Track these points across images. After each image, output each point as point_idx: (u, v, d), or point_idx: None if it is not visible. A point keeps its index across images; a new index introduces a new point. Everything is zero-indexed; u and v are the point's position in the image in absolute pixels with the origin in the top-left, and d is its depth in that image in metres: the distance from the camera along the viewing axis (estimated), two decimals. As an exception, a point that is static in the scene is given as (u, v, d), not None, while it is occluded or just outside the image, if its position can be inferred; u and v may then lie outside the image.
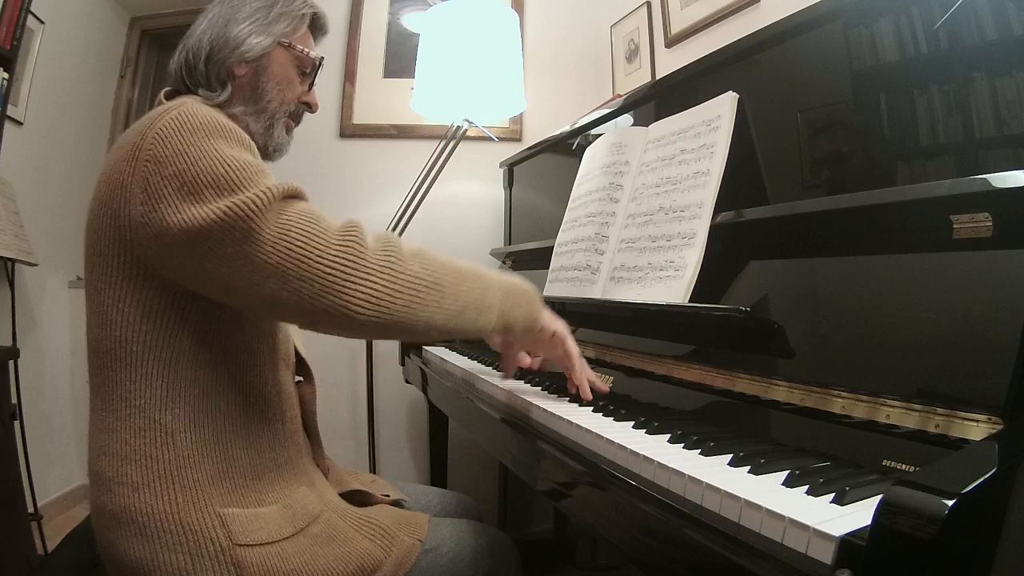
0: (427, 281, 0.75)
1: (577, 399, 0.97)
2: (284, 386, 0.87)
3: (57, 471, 2.40)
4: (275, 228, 0.70)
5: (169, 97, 0.89)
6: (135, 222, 0.72)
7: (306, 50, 0.95)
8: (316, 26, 1.00)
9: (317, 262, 0.70)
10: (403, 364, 1.83)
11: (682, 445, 0.72)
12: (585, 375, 0.96)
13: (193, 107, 0.76)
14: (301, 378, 0.97)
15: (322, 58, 0.98)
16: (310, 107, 0.99)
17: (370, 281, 0.71)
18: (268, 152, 0.95)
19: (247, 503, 0.78)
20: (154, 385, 0.75)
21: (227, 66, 0.89)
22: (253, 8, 0.91)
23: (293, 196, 0.75)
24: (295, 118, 0.98)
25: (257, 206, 0.70)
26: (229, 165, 0.72)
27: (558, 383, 1.07)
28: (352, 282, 0.70)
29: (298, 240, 0.70)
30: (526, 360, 1.06)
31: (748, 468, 0.63)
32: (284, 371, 0.89)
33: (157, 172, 0.71)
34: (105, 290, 0.76)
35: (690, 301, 0.94)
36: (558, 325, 0.94)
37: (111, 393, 0.77)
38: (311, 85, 0.99)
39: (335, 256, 0.71)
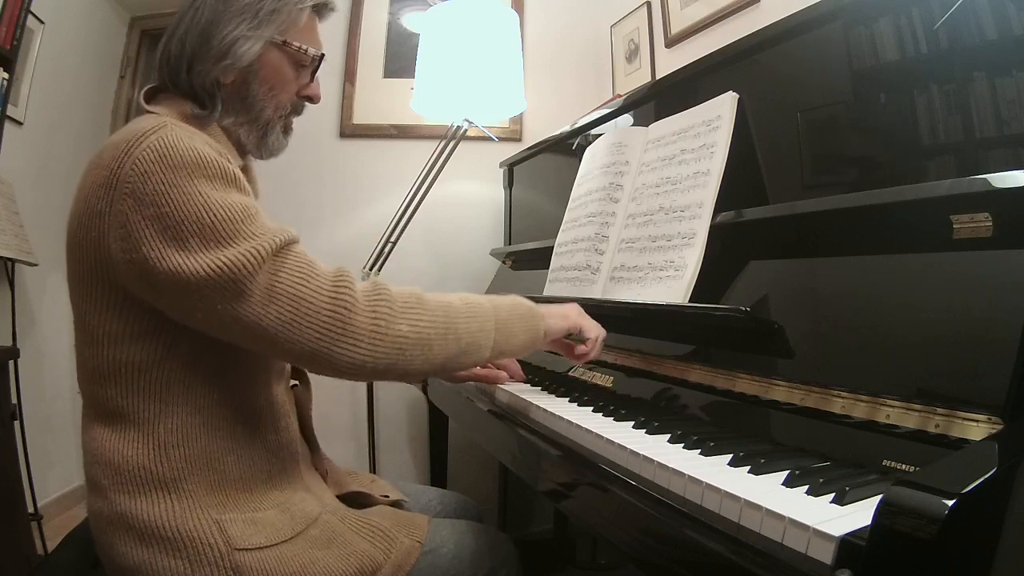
0: (414, 339, 0.76)
1: (577, 399, 0.97)
2: (277, 397, 0.86)
3: (57, 471, 2.40)
4: (266, 289, 0.70)
5: (150, 97, 0.84)
6: (116, 258, 0.70)
7: (303, 47, 0.87)
8: (322, 10, 0.92)
9: (308, 327, 0.71)
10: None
11: (682, 445, 0.72)
12: (594, 355, 0.97)
13: (173, 135, 0.71)
14: (297, 382, 0.97)
15: (322, 55, 0.91)
16: (311, 99, 0.93)
17: (358, 346, 0.73)
18: (261, 156, 0.92)
19: (244, 509, 0.78)
20: (145, 402, 0.75)
21: (212, 77, 0.82)
22: (241, 6, 0.82)
23: (286, 245, 0.74)
24: (296, 112, 0.92)
25: (248, 268, 0.69)
26: (215, 213, 0.70)
27: (558, 383, 1.07)
28: (339, 346, 0.72)
29: (289, 304, 0.71)
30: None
31: (748, 468, 0.63)
32: (277, 383, 0.87)
33: (137, 211, 0.68)
34: (91, 312, 0.75)
35: (690, 301, 0.94)
36: (569, 322, 0.94)
37: (102, 406, 0.76)
38: (312, 76, 0.92)
39: (325, 321, 0.72)
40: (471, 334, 0.82)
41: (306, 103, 0.93)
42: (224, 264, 0.68)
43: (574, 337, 0.98)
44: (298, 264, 0.73)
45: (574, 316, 0.95)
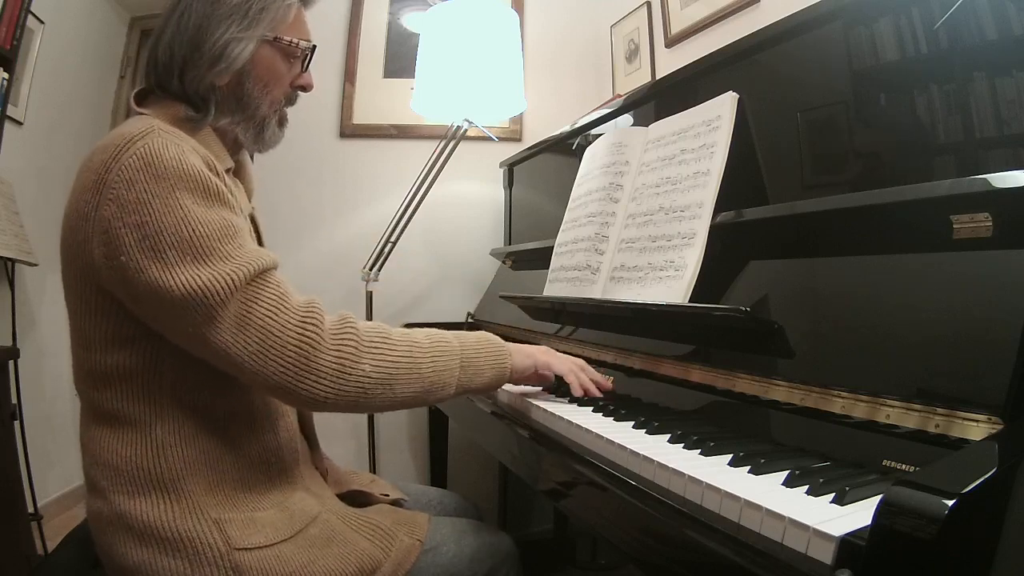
0: (376, 378, 0.77)
1: (577, 399, 0.97)
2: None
3: (57, 471, 2.40)
4: (236, 318, 0.71)
5: (140, 99, 0.83)
6: (99, 263, 0.70)
7: (295, 40, 0.87)
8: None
9: (273, 360, 0.72)
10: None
11: (682, 445, 0.72)
12: (584, 383, 0.96)
13: (160, 143, 0.71)
14: None
15: (314, 46, 0.90)
16: (305, 89, 0.92)
17: (320, 383, 0.74)
18: (258, 150, 0.92)
19: (243, 509, 0.78)
20: (140, 405, 0.75)
21: (206, 82, 0.81)
22: (230, 7, 0.81)
23: (263, 272, 0.74)
24: (290, 103, 0.92)
25: (222, 294, 0.69)
26: (194, 228, 0.70)
27: (558, 383, 1.06)
28: (303, 382, 0.73)
29: (257, 335, 0.71)
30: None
31: (748, 468, 0.63)
32: None
33: (119, 217, 0.68)
34: (83, 315, 0.75)
35: (690, 301, 0.94)
36: (534, 360, 0.94)
37: (100, 408, 0.76)
38: (305, 67, 0.91)
39: (290, 356, 0.72)
40: (436, 373, 0.82)
41: (300, 92, 0.93)
42: (199, 285, 0.68)
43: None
44: (271, 295, 0.73)
45: (540, 356, 0.96)
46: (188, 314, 0.69)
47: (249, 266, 0.72)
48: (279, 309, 0.73)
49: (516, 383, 0.98)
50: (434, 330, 0.87)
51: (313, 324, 0.74)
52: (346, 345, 0.76)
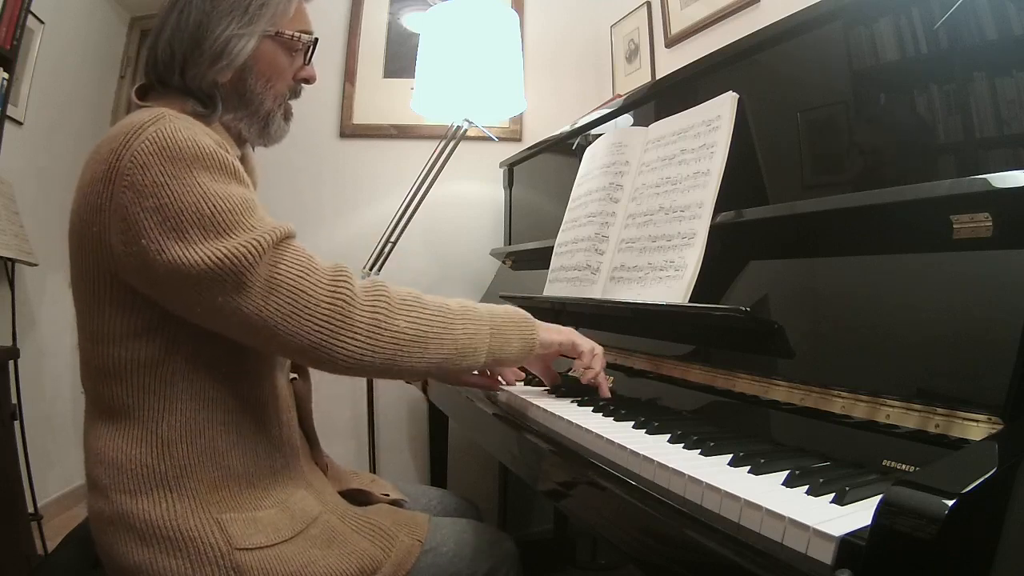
0: (411, 335, 0.77)
1: (577, 399, 0.97)
2: (280, 390, 0.86)
3: (57, 471, 2.40)
4: (266, 281, 0.71)
5: (142, 95, 0.83)
6: (117, 251, 0.70)
7: (296, 34, 0.86)
8: None
9: (307, 320, 0.72)
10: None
11: (682, 445, 0.72)
12: (597, 374, 0.96)
13: (171, 127, 0.71)
14: (296, 376, 0.97)
15: (316, 39, 0.90)
16: (308, 81, 0.92)
17: (356, 340, 0.74)
18: (264, 144, 0.92)
19: (245, 508, 0.78)
20: (150, 399, 0.75)
21: (209, 79, 0.81)
22: (230, 3, 0.80)
23: (285, 238, 0.74)
24: (294, 95, 0.92)
25: (249, 259, 0.69)
26: (214, 204, 0.70)
27: (558, 383, 1.06)
28: (338, 339, 0.73)
29: (289, 296, 0.72)
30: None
31: (748, 468, 0.63)
32: (280, 375, 0.88)
33: (136, 203, 0.68)
34: (93, 309, 0.75)
35: (690, 301, 0.94)
36: (561, 337, 0.94)
37: (106, 404, 0.76)
38: (308, 60, 0.91)
39: (324, 314, 0.72)
40: (468, 336, 0.82)
41: (303, 84, 0.93)
42: (224, 255, 0.68)
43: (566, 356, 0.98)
44: (297, 257, 0.74)
45: (567, 332, 0.96)
46: (216, 286, 0.69)
47: (272, 233, 0.73)
48: (308, 270, 0.74)
49: (540, 358, 0.97)
50: (462, 299, 0.87)
51: (344, 281, 0.75)
52: (379, 302, 0.76)
